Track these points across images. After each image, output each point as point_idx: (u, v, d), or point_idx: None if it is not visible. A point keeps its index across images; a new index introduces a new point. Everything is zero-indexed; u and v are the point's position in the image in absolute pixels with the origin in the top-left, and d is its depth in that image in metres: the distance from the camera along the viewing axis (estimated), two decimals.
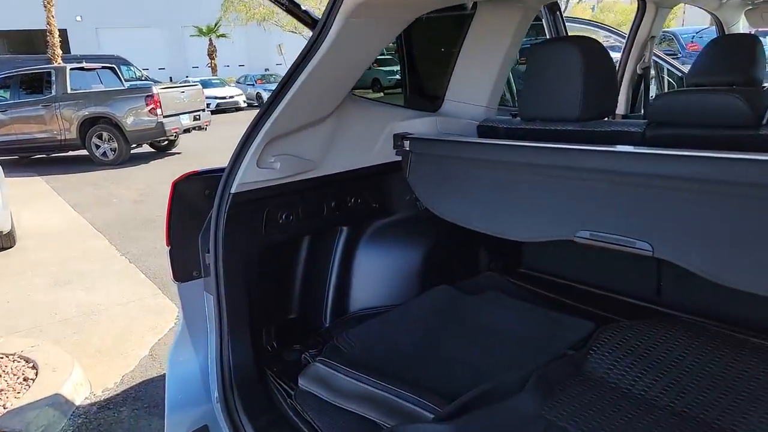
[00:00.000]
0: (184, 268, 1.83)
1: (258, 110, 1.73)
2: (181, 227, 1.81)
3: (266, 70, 30.53)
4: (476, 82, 2.35)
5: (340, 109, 1.91)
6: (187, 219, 1.83)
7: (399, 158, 2.12)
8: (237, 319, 1.80)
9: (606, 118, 1.89)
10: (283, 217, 1.90)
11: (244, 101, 23.00)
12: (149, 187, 8.86)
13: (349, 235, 2.12)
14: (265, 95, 23.49)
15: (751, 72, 2.69)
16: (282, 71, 28.98)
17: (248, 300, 1.83)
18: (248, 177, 1.75)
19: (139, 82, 18.41)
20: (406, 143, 2.06)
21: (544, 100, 1.93)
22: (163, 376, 3.80)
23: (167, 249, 1.83)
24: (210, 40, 32.58)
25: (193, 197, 1.83)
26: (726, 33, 3.42)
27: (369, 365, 1.69)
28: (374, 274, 2.15)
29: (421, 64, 2.59)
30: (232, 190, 1.74)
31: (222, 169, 1.84)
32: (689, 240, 1.31)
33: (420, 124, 2.15)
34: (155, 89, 11.03)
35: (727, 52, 2.75)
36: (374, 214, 2.15)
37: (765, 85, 2.78)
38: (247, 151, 1.73)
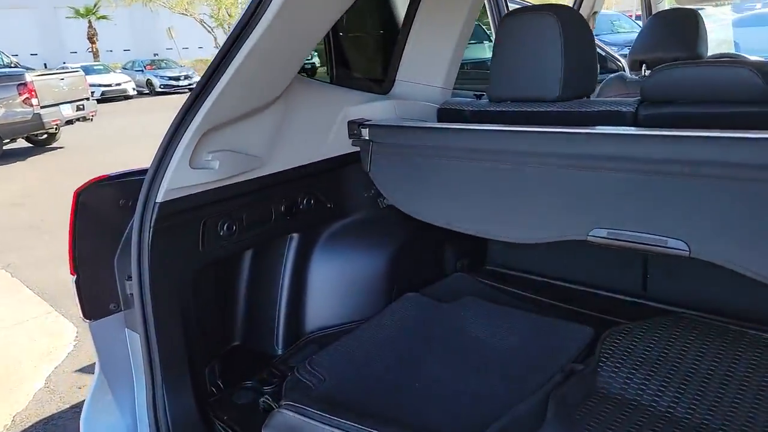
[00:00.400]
0: (96, 301, 1.42)
1: (186, 98, 1.35)
2: (90, 249, 1.40)
3: (155, 55, 28.51)
4: (430, 60, 2.08)
5: (289, 93, 1.57)
6: (98, 238, 1.42)
7: (356, 149, 1.81)
8: (172, 359, 1.42)
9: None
10: (225, 227, 1.53)
11: (134, 89, 21.26)
12: (29, 187, 7.82)
13: (301, 243, 1.79)
14: (157, 82, 21.91)
15: (696, 47, 2.64)
16: (173, 56, 27.26)
17: (185, 333, 1.46)
18: (179, 181, 1.37)
19: (7, 69, 16.42)
20: (365, 131, 1.76)
21: (518, 79, 1.70)
22: (66, 411, 3.27)
23: (72, 278, 1.40)
24: (89, 22, 29.78)
25: (104, 210, 1.42)
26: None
27: (346, 403, 1.39)
28: (332, 286, 1.84)
29: (365, 40, 2.28)
30: (159, 199, 1.35)
31: (142, 172, 1.44)
32: (736, 237, 1.13)
33: (377, 109, 1.85)
34: (29, 76, 9.76)
35: (671, 27, 2.68)
36: (330, 216, 1.83)
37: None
38: (175, 148, 1.34)
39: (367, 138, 1.75)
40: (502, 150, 1.49)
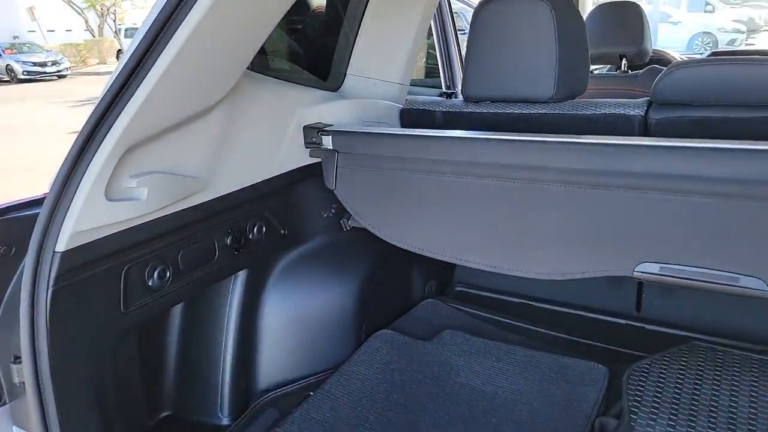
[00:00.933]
0: None
1: (98, 102, 0.94)
2: None
3: (15, 37, 25.39)
4: (386, 53, 1.77)
5: (235, 93, 1.19)
6: None
7: (313, 160, 1.47)
8: None
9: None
10: (155, 275, 1.13)
11: None
12: None
13: (250, 281, 1.42)
14: (19, 67, 19.47)
15: (642, 41, 2.56)
16: (38, 40, 24.40)
17: (100, 418, 1.06)
18: (90, 219, 0.96)
19: None
20: (326, 139, 1.41)
21: (502, 76, 1.45)
22: None
23: None
24: None
25: None
26: None
27: None
28: (290, 332, 1.49)
29: (311, 27, 1.91)
30: (60, 247, 0.94)
31: (30, 204, 1.01)
32: None
33: (335, 111, 1.51)
34: None
35: (615, 20, 2.57)
36: (284, 245, 1.48)
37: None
38: (83, 174, 0.94)
39: (330, 147, 1.41)
40: (508, 164, 1.22)
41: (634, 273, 1.07)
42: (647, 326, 1.66)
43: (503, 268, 1.26)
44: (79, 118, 1.00)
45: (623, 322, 1.69)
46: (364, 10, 1.72)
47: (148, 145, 1.04)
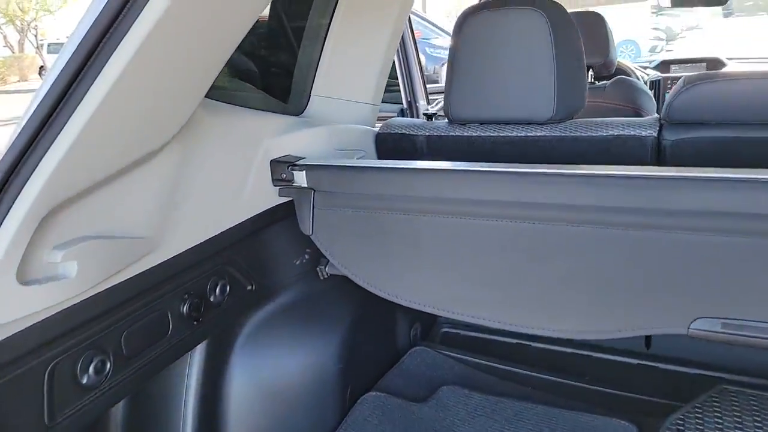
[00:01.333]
0: None
1: (6, 148, 0.68)
2: None
3: None
4: (355, 71, 1.57)
5: (188, 128, 0.94)
6: None
7: (283, 199, 1.23)
8: None
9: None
10: (91, 369, 0.87)
11: None
12: None
13: (212, 352, 1.16)
14: None
15: (608, 52, 2.47)
16: None
17: None
18: None
19: None
20: (299, 176, 1.18)
21: (494, 95, 1.28)
22: None
23: None
24: None
25: None
26: None
27: None
28: (262, 409, 1.23)
29: (267, 42, 1.67)
30: None
31: None
32: None
33: (306, 139, 1.28)
34: None
35: (580, 31, 2.47)
36: (251, 304, 1.23)
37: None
38: None
39: (304, 185, 1.18)
40: (519, 202, 1.03)
41: (690, 331, 0.90)
42: (660, 365, 1.52)
43: (519, 326, 1.06)
44: None
45: (633, 361, 1.54)
46: (329, 25, 1.50)
47: (76, 204, 0.78)
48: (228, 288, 1.14)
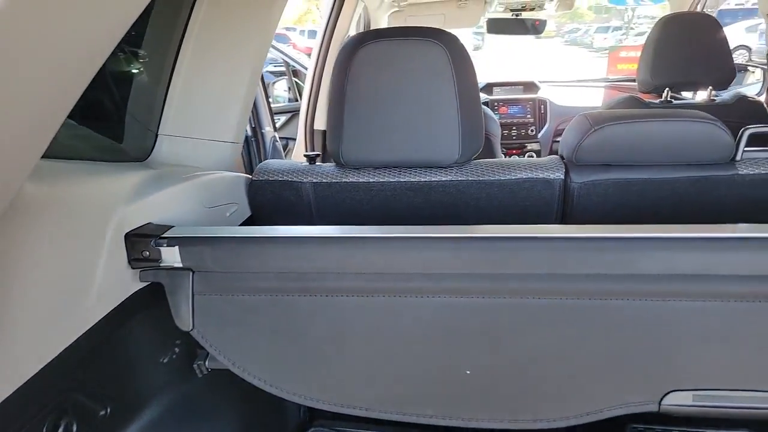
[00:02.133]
0: None
1: None
2: None
3: None
4: (213, 106, 1.29)
5: (12, 216, 0.61)
6: None
7: (144, 283, 0.91)
8: None
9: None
10: None
11: None
12: None
13: None
14: None
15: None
16: None
17: None
18: None
19: None
20: (167, 253, 0.88)
21: (393, 136, 1.13)
22: None
23: None
24: None
25: None
26: None
27: None
28: None
29: (105, 79, 1.28)
30: None
31: None
32: None
33: (167, 198, 0.98)
34: None
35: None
36: (103, 427, 0.89)
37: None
38: None
39: (177, 264, 0.89)
40: (455, 273, 0.87)
41: (662, 406, 0.83)
42: None
43: (466, 420, 0.90)
44: None
45: None
46: (177, 57, 1.21)
47: None
48: (75, 425, 0.80)
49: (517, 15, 3.30)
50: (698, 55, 2.03)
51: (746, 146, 1.13)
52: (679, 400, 0.82)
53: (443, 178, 1.17)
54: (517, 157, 1.25)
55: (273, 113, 2.54)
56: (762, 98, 2.67)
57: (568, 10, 3.36)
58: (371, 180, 1.18)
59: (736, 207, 1.16)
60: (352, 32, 2.44)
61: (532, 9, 3.20)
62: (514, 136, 3.29)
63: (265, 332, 0.90)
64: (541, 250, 0.82)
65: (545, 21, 3.32)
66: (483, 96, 3.46)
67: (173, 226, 0.91)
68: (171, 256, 0.89)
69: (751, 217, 1.19)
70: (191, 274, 0.89)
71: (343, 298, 0.88)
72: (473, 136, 1.16)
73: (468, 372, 0.88)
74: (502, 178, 1.17)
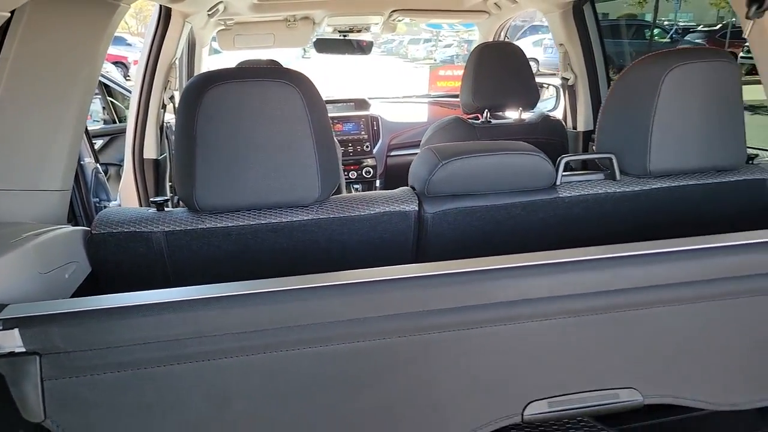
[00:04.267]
0: None
1: None
2: None
3: None
4: (35, 148, 1.14)
5: None
6: None
7: None
8: None
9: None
10: None
11: None
12: None
13: None
14: None
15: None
16: None
17: None
18: None
19: None
20: (8, 336, 0.76)
21: (251, 178, 1.11)
22: None
23: None
24: None
25: None
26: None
27: None
28: None
29: None
30: None
31: None
32: (681, 369, 0.98)
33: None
34: None
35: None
36: None
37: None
38: None
39: (21, 350, 0.77)
40: (343, 321, 0.88)
41: (525, 416, 0.92)
42: None
43: None
44: None
45: None
46: None
47: None
48: None
49: (344, 36, 3.40)
50: (511, 80, 2.30)
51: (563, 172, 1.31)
52: (537, 409, 0.92)
53: (305, 217, 1.17)
54: (379, 192, 1.29)
55: (91, 138, 2.30)
56: (558, 112, 3.14)
57: (392, 32, 3.55)
58: (230, 224, 1.14)
59: (559, 224, 1.34)
60: (179, 54, 2.32)
61: (359, 31, 3.33)
62: (350, 152, 3.38)
63: (135, 411, 0.82)
64: (399, 290, 0.86)
65: (371, 42, 3.47)
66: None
67: (7, 305, 0.79)
68: (10, 341, 0.77)
69: (570, 231, 1.37)
70: (38, 358, 0.78)
71: (219, 361, 0.84)
72: (330, 173, 1.18)
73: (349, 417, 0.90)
74: (362, 213, 1.21)
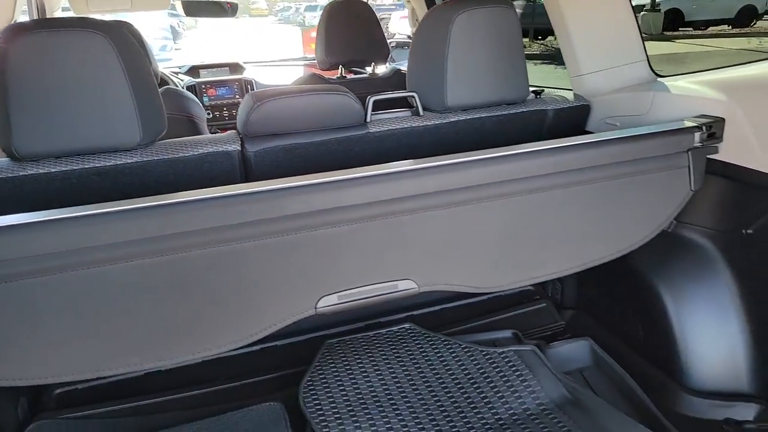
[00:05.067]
0: None
1: None
2: None
3: None
4: None
5: None
6: None
7: None
8: None
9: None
10: None
11: None
12: None
13: None
14: None
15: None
16: None
17: None
18: None
19: None
20: None
21: (71, 124, 1.20)
22: None
23: None
24: None
25: None
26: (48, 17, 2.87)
27: None
28: None
29: None
30: None
31: None
32: (449, 260, 1.18)
33: None
34: None
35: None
36: None
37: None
38: None
39: None
40: (140, 239, 1.01)
41: (318, 309, 1.09)
42: (279, 343, 1.73)
43: (172, 358, 1.06)
44: None
45: (257, 348, 1.70)
46: None
47: None
48: None
49: None
50: (360, 36, 2.46)
51: (373, 110, 1.48)
52: (329, 302, 1.10)
53: (129, 161, 1.27)
54: (206, 135, 1.40)
55: None
56: None
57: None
58: (53, 170, 1.21)
59: (373, 158, 1.51)
60: (18, 17, 2.26)
61: None
62: (226, 116, 3.43)
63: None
64: (212, 207, 1.01)
65: (237, 4, 3.48)
66: (188, 79, 3.51)
67: None
68: None
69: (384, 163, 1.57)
70: None
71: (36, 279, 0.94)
72: (153, 119, 1.27)
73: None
74: (187, 155, 1.32)
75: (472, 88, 1.51)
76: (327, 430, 1.29)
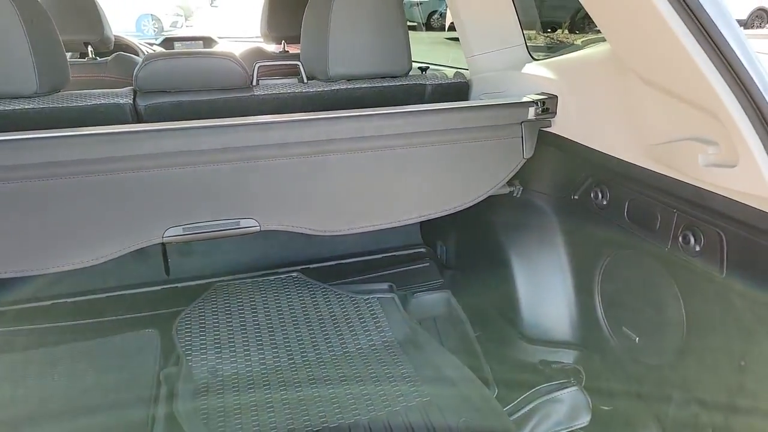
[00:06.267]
0: None
1: None
2: None
3: None
4: None
5: None
6: None
7: None
8: None
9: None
10: None
11: None
12: None
13: None
14: None
15: (102, 31, 2.65)
16: None
17: None
18: None
19: None
20: None
21: None
22: None
23: None
24: None
25: None
26: None
27: None
28: None
29: None
30: None
31: None
32: (293, 204, 1.36)
33: None
34: None
35: (70, 9, 2.59)
36: None
37: None
38: None
39: None
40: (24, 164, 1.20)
41: (164, 238, 1.28)
42: (179, 285, 1.92)
43: (36, 268, 1.25)
44: None
45: (158, 288, 1.90)
46: None
47: None
48: None
49: None
50: (299, 12, 2.62)
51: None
52: (175, 233, 1.29)
53: (26, 107, 1.45)
54: (103, 90, 1.59)
55: None
56: None
57: None
58: None
59: None
60: None
61: None
62: None
63: None
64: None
65: None
66: (161, 50, 3.70)
67: None
68: None
69: None
70: None
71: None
72: (52, 71, 1.46)
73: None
74: (81, 104, 1.50)
75: (353, 60, 1.68)
76: (190, 355, 1.48)
